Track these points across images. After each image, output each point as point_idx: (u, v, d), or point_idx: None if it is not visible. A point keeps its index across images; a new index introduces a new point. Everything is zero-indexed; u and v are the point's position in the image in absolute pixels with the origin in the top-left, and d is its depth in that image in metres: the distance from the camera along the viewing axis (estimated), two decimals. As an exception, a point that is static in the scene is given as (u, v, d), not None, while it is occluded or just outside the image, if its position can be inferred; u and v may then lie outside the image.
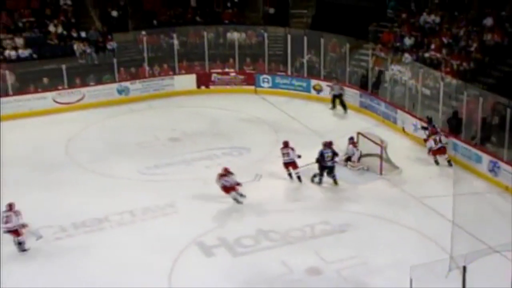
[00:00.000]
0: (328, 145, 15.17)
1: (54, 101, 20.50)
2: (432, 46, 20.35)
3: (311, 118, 19.66)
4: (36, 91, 20.61)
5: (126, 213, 13.83)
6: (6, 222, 12.47)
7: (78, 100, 20.66)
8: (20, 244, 12.51)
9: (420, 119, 17.68)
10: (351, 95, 20.60)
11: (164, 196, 14.51)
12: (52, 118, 19.37)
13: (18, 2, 23.15)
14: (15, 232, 12.52)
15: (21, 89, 20.53)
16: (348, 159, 16.07)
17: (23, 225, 12.49)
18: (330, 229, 13.27)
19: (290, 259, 12.12)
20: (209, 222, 13.48)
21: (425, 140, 16.58)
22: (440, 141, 16.25)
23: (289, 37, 22.16)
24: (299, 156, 15.28)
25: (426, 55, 20.24)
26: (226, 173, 14.21)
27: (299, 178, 15.31)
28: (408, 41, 21.17)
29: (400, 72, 19.68)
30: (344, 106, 20.40)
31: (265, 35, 22.77)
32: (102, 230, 13.25)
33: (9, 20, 22.54)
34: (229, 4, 25.88)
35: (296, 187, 15.17)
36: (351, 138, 16.24)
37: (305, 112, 20.39)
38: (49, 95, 20.47)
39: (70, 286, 11.35)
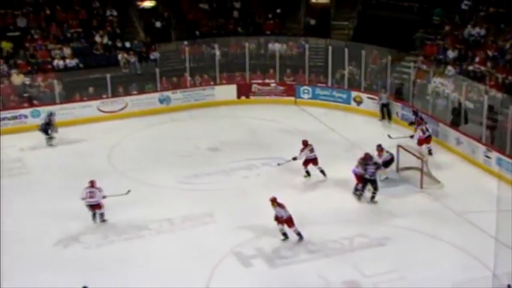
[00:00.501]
0: (368, 159, 15.05)
1: (98, 109, 20.94)
2: (477, 59, 20.04)
3: (351, 129, 19.56)
4: (81, 100, 21.12)
5: (165, 222, 14.00)
6: (91, 197, 13.86)
7: (121, 109, 21.05)
8: (101, 215, 13.99)
9: (463, 133, 17.41)
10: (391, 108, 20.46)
11: (202, 206, 14.64)
12: (96, 126, 19.79)
13: (67, 14, 23.83)
14: (97, 206, 13.90)
15: (67, 98, 21.06)
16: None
17: (104, 197, 13.95)
18: (368, 242, 13.15)
19: (328, 271, 12.06)
20: (247, 232, 13.53)
21: (411, 136, 17.33)
22: (427, 129, 17.30)
23: (330, 48, 22.13)
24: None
25: (470, 68, 19.94)
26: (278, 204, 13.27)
27: (322, 172, 15.96)
28: (451, 54, 20.89)
29: (443, 85, 19.43)
30: (389, 115, 20.31)
31: (306, 46, 22.80)
32: (141, 238, 13.45)
33: (58, 31, 23.22)
34: (270, 15, 26.03)
35: (334, 200, 15.08)
36: (379, 146, 16.02)
37: (345, 123, 20.31)
38: (94, 103, 20.92)
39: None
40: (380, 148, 15.92)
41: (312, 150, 16.02)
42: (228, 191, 15.46)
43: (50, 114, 19.00)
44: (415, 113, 18.51)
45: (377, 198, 14.96)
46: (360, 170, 14.92)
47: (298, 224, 13.54)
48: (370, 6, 24.90)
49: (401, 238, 13.27)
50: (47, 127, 18.73)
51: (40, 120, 19.13)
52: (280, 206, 13.04)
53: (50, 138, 18.73)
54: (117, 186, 15.77)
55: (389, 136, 17.50)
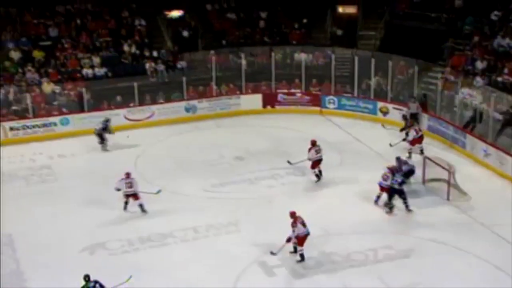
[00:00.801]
0: (397, 170, 14.96)
1: (125, 118, 21.20)
2: (506, 70, 19.75)
3: (377, 140, 19.42)
4: (109, 108, 21.41)
5: (190, 230, 14.06)
6: (130, 187, 14.74)
7: (148, 117, 21.27)
8: (141, 206, 14.81)
9: (491, 145, 17.18)
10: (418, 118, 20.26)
11: (227, 214, 14.68)
12: (123, 134, 19.99)
13: (97, 23, 24.24)
14: (135, 196, 14.70)
15: (95, 106, 21.39)
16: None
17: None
18: (393, 254, 13.02)
19: (352, 282, 11.99)
20: (271, 241, 13.48)
21: (405, 139, 17.95)
22: (420, 130, 18.15)
23: (356, 58, 22.08)
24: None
25: (499, 79, 19.66)
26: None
27: (320, 172, 16.43)
28: (480, 65, 20.65)
29: (471, 96, 19.21)
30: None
31: (332, 56, 22.78)
32: (166, 246, 13.51)
33: (88, 40, 23.63)
34: (297, 25, 26.09)
35: (359, 210, 14.98)
36: (397, 158, 15.87)
37: (371, 134, 20.17)
38: (121, 112, 21.19)
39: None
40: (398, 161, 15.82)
41: (318, 151, 16.42)
42: (253, 200, 15.48)
43: (107, 120, 19.40)
44: (405, 117, 19.30)
45: (403, 209, 14.83)
46: (386, 182, 14.79)
47: (324, 234, 13.52)
48: (397, 17, 24.80)
49: (427, 250, 13.12)
50: (103, 132, 19.15)
51: (96, 125, 19.35)
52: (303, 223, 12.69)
53: (104, 143, 19.15)
54: (143, 194, 15.98)
55: (390, 145, 17.55)
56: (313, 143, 16.51)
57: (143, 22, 24.94)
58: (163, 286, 11.96)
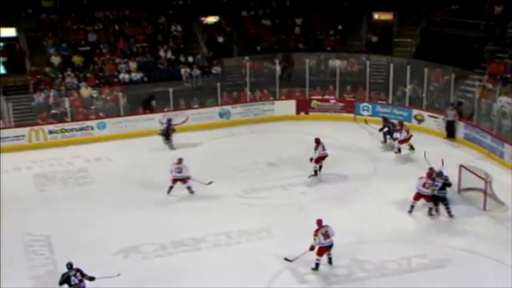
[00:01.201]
0: (439, 174, 14.78)
1: (160, 122, 21.44)
2: (546, 79, 19.38)
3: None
4: (144, 113, 21.72)
5: (222, 235, 14.11)
6: (179, 172, 15.94)
7: (182, 122, 21.50)
8: (189, 188, 16.07)
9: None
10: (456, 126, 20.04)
11: (259, 220, 14.70)
12: (157, 139, 20.21)
13: (134, 29, 24.66)
14: (183, 180, 15.95)
15: (131, 110, 21.72)
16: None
17: (188, 177, 16.03)
18: (427, 263, 12.85)
19: (385, 291, 11.87)
20: (303, 248, 13.44)
21: (395, 139, 18.61)
22: (408, 130, 18.78)
23: (391, 65, 21.91)
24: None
25: (539, 87, 19.28)
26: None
27: (320, 168, 16.96)
28: (519, 72, 20.29)
29: (510, 104, 18.86)
30: (453, 134, 19.93)
31: (367, 63, 22.66)
32: (199, 250, 13.59)
33: (125, 46, 24.06)
34: (332, 32, 26.05)
35: (392, 219, 14.84)
36: (430, 169, 15.50)
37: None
38: (156, 116, 21.43)
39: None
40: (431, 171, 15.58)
41: (324, 148, 17.02)
42: (285, 206, 15.48)
43: (169, 120, 19.98)
44: (385, 119, 19.62)
45: (438, 217, 14.69)
46: (428, 190, 14.60)
47: (356, 241, 13.50)
48: (434, 24, 24.54)
49: (462, 260, 12.90)
50: (168, 132, 19.76)
51: (161, 126, 20.06)
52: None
53: (170, 142, 19.83)
54: (176, 197, 16.17)
55: (424, 154, 16.57)
56: (318, 141, 17.04)
57: (179, 28, 25.29)
58: (195, 291, 12.04)
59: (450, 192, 15.65)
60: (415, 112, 21.39)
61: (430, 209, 14.81)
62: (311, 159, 16.89)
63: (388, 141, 19.39)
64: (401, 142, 18.59)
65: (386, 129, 19.50)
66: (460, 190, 15.92)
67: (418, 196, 14.82)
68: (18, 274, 12.61)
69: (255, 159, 18.68)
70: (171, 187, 16.06)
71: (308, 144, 19.78)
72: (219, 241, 13.90)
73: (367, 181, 16.72)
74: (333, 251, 12.93)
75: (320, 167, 17.04)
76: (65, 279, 11.14)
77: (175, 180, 16.04)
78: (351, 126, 21.91)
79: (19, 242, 13.88)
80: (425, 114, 21.06)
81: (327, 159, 17.18)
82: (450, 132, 20.05)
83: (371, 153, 19.04)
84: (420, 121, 21.23)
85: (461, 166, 16.03)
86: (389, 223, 14.64)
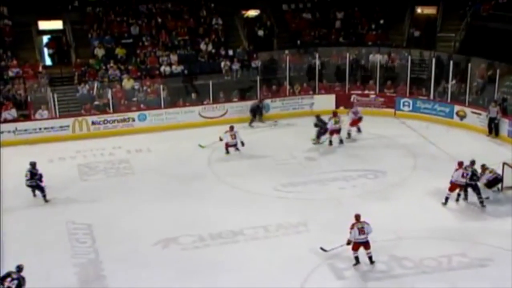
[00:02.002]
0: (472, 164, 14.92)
1: (200, 115, 21.66)
2: None
3: (452, 144, 18.93)
4: (184, 105, 21.94)
5: (260, 228, 14.17)
6: (234, 138, 18.45)
7: (221, 115, 21.63)
8: (237, 149, 18.57)
9: None
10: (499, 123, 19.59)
11: (297, 214, 14.72)
12: (197, 132, 20.42)
13: (176, 22, 24.91)
14: (235, 145, 18.49)
15: (171, 103, 21.97)
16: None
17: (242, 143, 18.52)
18: (468, 262, 12.65)
19: (423, 289, 11.75)
20: (341, 243, 13.43)
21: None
22: (358, 111, 20.06)
23: (433, 60, 21.56)
24: None
25: None
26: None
27: (341, 141, 19.08)
28: None
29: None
30: (497, 131, 19.52)
31: (409, 58, 22.35)
32: (236, 243, 13.68)
33: (167, 38, 24.33)
34: (373, 26, 25.77)
35: (432, 216, 14.65)
36: (483, 165, 15.41)
37: (446, 138, 19.70)
38: (196, 109, 21.67)
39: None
40: (483, 167, 15.34)
41: (338, 122, 18.88)
42: (323, 201, 15.45)
43: (261, 100, 21.79)
44: (318, 117, 19.64)
45: (479, 217, 14.47)
46: (464, 180, 14.74)
47: (395, 238, 13.36)
48: (480, 18, 24.00)
49: (505, 260, 12.62)
50: (256, 111, 21.48)
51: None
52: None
53: (253, 122, 21.37)
54: (215, 190, 16.32)
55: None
56: (335, 114, 19.26)
57: (220, 21, 25.41)
58: (231, 283, 12.10)
59: (494, 190, 15.49)
60: (457, 108, 21.01)
61: (458, 195, 14.94)
62: (325, 130, 19.00)
63: (324, 138, 19.39)
64: (352, 123, 19.77)
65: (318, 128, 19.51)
66: (502, 188, 15.60)
67: (453, 187, 14.87)
68: (63, 261, 12.96)
69: (294, 153, 18.68)
70: (227, 151, 18.56)
71: (348, 139, 19.79)
72: (257, 234, 13.97)
73: (406, 177, 16.55)
74: (372, 247, 12.82)
75: (341, 140, 19.00)
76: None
77: (229, 146, 18.39)
78: (391, 121, 21.68)
79: (64, 230, 14.26)
80: (468, 110, 20.67)
81: (363, 154, 17.43)
82: (493, 129, 19.62)
83: (411, 148, 18.82)
84: (462, 117, 20.85)
85: (504, 163, 15.71)
86: (429, 220, 14.46)
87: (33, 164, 15.65)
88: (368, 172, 17.09)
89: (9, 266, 12.48)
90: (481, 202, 14.83)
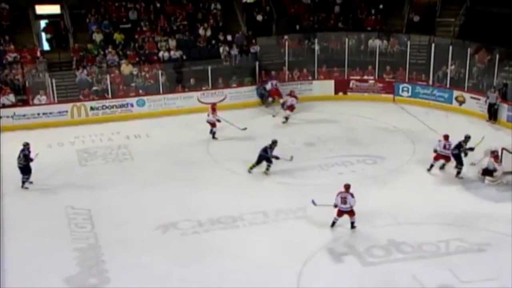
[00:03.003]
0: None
1: (199, 100, 21.59)
2: None
3: (452, 130, 18.76)
4: (183, 91, 21.88)
5: (259, 213, 14.21)
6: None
7: (220, 101, 21.57)
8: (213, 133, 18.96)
9: None
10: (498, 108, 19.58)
11: (296, 200, 14.75)
12: (196, 117, 20.33)
13: (175, 7, 24.74)
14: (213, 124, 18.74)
15: (170, 88, 21.90)
16: (486, 173, 15.31)
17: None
18: (467, 247, 12.72)
19: (422, 273, 11.80)
20: (340, 228, 13.50)
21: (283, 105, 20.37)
22: (296, 97, 20.67)
23: (433, 46, 21.48)
24: None
25: None
26: None
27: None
28: None
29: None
30: (495, 116, 19.57)
31: (408, 43, 22.27)
32: (235, 228, 13.73)
33: (165, 24, 24.18)
34: (373, 11, 25.63)
35: (431, 201, 14.69)
36: (493, 152, 15.44)
37: (445, 123, 19.68)
38: (195, 94, 21.59)
39: (202, 279, 11.88)
40: (494, 154, 15.45)
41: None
42: (323, 186, 15.43)
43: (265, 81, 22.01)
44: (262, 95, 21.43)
45: (478, 202, 14.49)
46: (441, 149, 15.59)
47: (394, 223, 13.48)
48: (479, 2, 23.84)
49: (503, 245, 12.69)
50: (264, 92, 21.76)
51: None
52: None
53: (265, 101, 21.76)
54: (214, 175, 16.33)
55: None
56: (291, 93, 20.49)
57: (218, 6, 25.23)
58: (230, 268, 12.14)
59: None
60: (456, 93, 20.99)
61: (443, 164, 15.87)
62: (282, 105, 20.24)
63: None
64: (290, 109, 20.28)
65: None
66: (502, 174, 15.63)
67: (437, 157, 15.65)
68: (63, 246, 13.00)
69: (293, 139, 18.66)
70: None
71: (346, 125, 19.83)
72: (256, 220, 14.01)
73: (406, 163, 16.56)
74: (369, 233, 12.93)
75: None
76: None
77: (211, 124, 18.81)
78: (390, 107, 21.66)
79: (63, 215, 14.28)
80: (467, 95, 20.64)
81: (362, 140, 17.57)
82: (494, 115, 19.59)
83: (410, 134, 18.83)
84: (461, 102, 20.83)
85: (503, 149, 15.72)
86: (428, 205, 14.52)
87: (26, 145, 15.59)
88: (367, 158, 17.11)
89: (9, 251, 12.55)
90: (458, 173, 15.42)
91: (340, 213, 13.38)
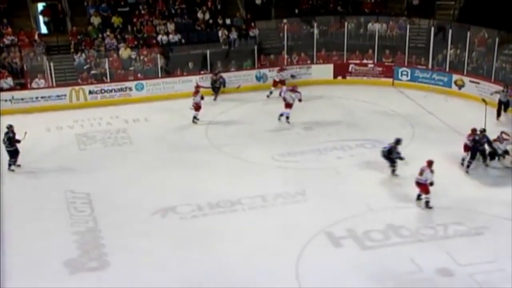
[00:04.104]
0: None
1: (198, 84, 21.50)
2: None
3: (450, 114, 18.94)
4: (182, 75, 21.80)
5: (258, 198, 14.24)
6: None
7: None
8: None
9: None
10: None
11: (295, 184, 14.78)
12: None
13: (175, -10, 24.55)
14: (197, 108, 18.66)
15: (169, 72, 21.82)
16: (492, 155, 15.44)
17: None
18: (465, 230, 12.78)
19: (420, 257, 11.86)
20: (338, 212, 13.52)
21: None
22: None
23: (432, 29, 21.38)
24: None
25: None
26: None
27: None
28: None
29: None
30: (506, 108, 18.80)
31: (407, 26, 22.15)
32: (234, 212, 13.76)
33: (164, 7, 23.99)
34: (372, -6, 25.48)
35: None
36: (502, 133, 15.53)
37: (444, 107, 19.68)
38: (193, 78, 21.50)
39: (201, 263, 11.92)
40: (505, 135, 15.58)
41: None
42: (321, 170, 15.50)
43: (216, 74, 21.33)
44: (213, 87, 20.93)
45: (476, 186, 14.61)
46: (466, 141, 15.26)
47: (393, 207, 13.47)
48: (479, -15, 23.70)
49: (501, 228, 12.76)
50: (215, 85, 21.12)
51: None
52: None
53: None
54: (212, 160, 16.33)
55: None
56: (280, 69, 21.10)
57: (218, -12, 25.02)
58: (229, 252, 12.21)
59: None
60: (455, 77, 20.92)
61: (463, 159, 15.47)
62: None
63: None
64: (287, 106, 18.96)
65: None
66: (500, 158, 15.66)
67: (465, 148, 15.37)
68: (62, 229, 13.05)
69: (292, 123, 18.65)
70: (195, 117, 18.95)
71: (346, 109, 19.79)
72: (255, 204, 14.04)
73: (404, 147, 16.52)
74: (368, 217, 13.02)
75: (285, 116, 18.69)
76: None
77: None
78: (389, 91, 21.61)
79: (62, 199, 14.31)
80: (466, 79, 20.59)
81: (361, 124, 17.55)
82: (505, 106, 18.66)
83: (409, 118, 18.81)
84: (460, 86, 20.77)
85: (502, 132, 15.75)
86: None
87: (10, 127, 15.54)
88: (365, 142, 17.12)
89: (9, 235, 12.59)
90: (468, 166, 15.28)
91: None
